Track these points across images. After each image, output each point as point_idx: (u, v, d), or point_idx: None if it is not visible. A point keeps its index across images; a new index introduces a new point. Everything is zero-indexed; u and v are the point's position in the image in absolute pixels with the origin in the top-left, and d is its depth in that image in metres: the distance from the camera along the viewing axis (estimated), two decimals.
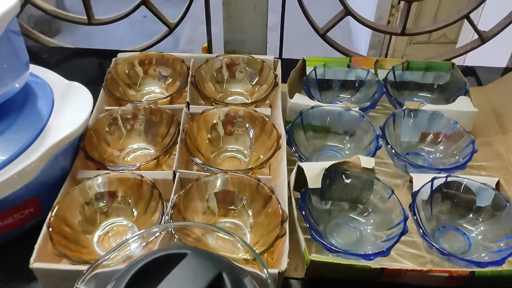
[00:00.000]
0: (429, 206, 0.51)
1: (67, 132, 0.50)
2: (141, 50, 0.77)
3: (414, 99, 0.68)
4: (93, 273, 0.33)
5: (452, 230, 0.51)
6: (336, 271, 0.45)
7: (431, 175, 0.52)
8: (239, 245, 0.36)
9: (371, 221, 0.51)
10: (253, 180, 0.49)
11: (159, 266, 0.30)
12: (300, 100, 0.61)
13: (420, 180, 0.52)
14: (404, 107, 0.60)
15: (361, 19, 0.77)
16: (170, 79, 0.66)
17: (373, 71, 0.68)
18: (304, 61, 0.68)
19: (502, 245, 0.48)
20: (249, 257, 0.38)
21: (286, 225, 0.45)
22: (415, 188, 0.51)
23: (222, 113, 0.58)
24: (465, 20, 0.76)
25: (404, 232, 0.46)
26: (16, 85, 0.50)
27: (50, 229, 0.44)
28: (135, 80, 0.66)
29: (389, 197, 0.50)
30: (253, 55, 0.67)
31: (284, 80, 0.65)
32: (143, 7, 0.76)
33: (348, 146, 0.60)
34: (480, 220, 0.51)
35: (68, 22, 0.79)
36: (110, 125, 0.57)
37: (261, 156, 0.55)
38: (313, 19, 0.77)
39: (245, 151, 0.58)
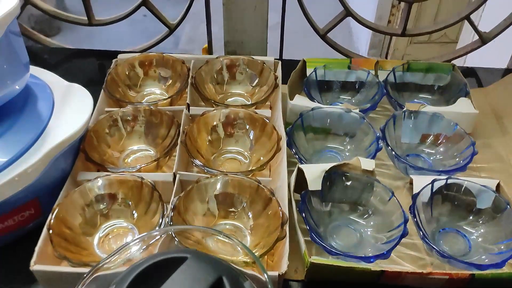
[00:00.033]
0: (429, 208, 0.51)
1: (68, 134, 0.50)
2: (141, 51, 0.77)
3: (415, 100, 0.68)
4: (93, 277, 0.33)
5: (453, 232, 0.51)
6: (336, 274, 0.45)
7: (431, 177, 0.52)
8: (239, 248, 0.36)
9: (371, 223, 0.51)
10: (253, 182, 0.49)
11: (159, 270, 0.30)
12: (301, 101, 0.61)
13: (421, 182, 0.52)
14: (405, 109, 0.60)
15: (362, 20, 0.77)
16: (170, 81, 0.66)
17: (373, 72, 0.68)
18: (304, 62, 0.68)
19: (502, 247, 0.48)
20: (248, 260, 0.38)
21: (286, 227, 0.45)
22: (415, 190, 0.51)
23: (223, 115, 0.58)
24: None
25: (404, 234, 0.46)
26: (17, 87, 0.50)
27: (51, 231, 0.44)
28: (135, 81, 0.66)
29: (389, 199, 0.50)
30: (253, 56, 0.67)
31: (284, 81, 0.65)
32: (143, 7, 0.76)
33: (349, 147, 0.60)
34: (480, 222, 0.51)
35: None
36: (110, 126, 0.57)
37: (262, 158, 0.55)
38: (313, 20, 0.77)
39: (245, 153, 0.58)
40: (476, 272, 0.44)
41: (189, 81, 0.63)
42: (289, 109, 0.61)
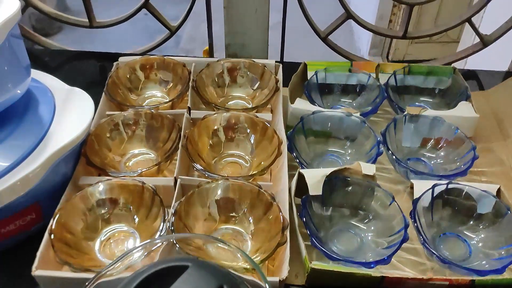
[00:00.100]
0: (430, 213, 0.51)
1: (69, 138, 0.50)
2: (142, 53, 0.77)
3: (415, 103, 0.68)
4: (95, 284, 0.33)
5: (453, 237, 0.51)
6: (336, 279, 0.45)
7: (432, 181, 0.52)
8: (239, 255, 0.36)
9: (372, 228, 0.51)
10: (254, 187, 0.49)
11: (160, 278, 0.30)
12: (301, 105, 0.61)
13: (421, 186, 0.52)
14: (405, 113, 0.60)
15: (363, 22, 0.77)
16: (171, 84, 0.66)
17: (374, 75, 0.68)
18: (305, 65, 0.68)
19: (502, 252, 0.48)
20: (249, 267, 0.39)
21: (287, 232, 0.46)
22: (416, 195, 0.51)
23: (223, 119, 0.58)
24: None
25: (405, 239, 0.46)
26: (18, 91, 0.50)
27: (52, 236, 0.44)
28: (136, 85, 0.66)
29: (390, 204, 0.50)
30: (254, 59, 0.67)
31: (285, 84, 0.65)
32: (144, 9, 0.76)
33: (349, 151, 0.60)
34: (481, 227, 0.51)
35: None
36: (111, 130, 0.57)
37: (262, 162, 0.55)
38: (314, 22, 0.77)
39: (246, 157, 0.58)
40: (476, 278, 0.44)
41: (190, 84, 0.63)
42: (290, 113, 0.61)
